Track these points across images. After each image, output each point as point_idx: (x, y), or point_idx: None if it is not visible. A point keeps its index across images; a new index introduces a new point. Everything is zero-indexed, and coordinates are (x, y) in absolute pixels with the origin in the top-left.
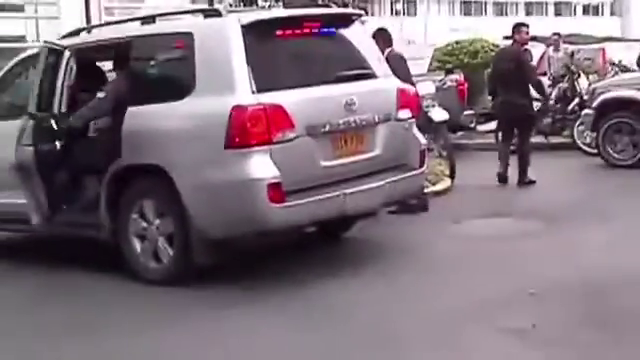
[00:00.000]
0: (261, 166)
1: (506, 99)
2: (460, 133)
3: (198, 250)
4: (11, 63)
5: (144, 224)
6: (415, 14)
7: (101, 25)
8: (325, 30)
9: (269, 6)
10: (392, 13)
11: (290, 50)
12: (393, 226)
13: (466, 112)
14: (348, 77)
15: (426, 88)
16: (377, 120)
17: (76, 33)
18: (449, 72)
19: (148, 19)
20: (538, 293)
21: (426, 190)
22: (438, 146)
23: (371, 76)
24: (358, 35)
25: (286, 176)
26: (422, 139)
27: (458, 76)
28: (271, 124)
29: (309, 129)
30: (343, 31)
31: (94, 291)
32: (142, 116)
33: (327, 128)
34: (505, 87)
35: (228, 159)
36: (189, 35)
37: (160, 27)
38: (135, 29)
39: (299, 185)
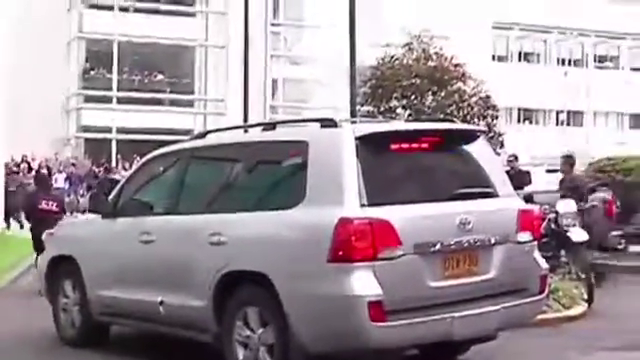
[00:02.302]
0: (363, 283)
1: None
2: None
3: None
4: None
5: (248, 332)
6: (581, 125)
7: (229, 128)
8: (444, 146)
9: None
10: (557, 123)
11: (405, 164)
12: (515, 350)
13: (614, 232)
14: (465, 195)
15: (567, 206)
16: (494, 241)
17: (202, 136)
18: (593, 190)
19: (269, 125)
20: None
21: (559, 314)
22: (576, 267)
23: (491, 195)
24: (480, 151)
25: (390, 294)
26: (543, 264)
27: (606, 194)
28: (376, 240)
29: (417, 247)
30: (464, 147)
31: None
32: (253, 222)
33: (437, 247)
34: None
35: (331, 272)
36: (304, 144)
37: (278, 134)
38: (256, 135)
39: (404, 304)
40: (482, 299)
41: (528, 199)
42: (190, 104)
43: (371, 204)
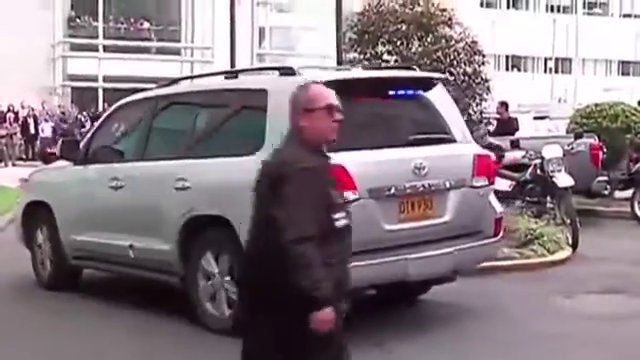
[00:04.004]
0: None
1: None
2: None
3: None
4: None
5: (211, 271)
6: (570, 72)
7: (193, 77)
8: (401, 93)
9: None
10: (545, 70)
11: (361, 111)
12: (497, 295)
13: (600, 178)
14: (421, 141)
15: (553, 152)
16: (449, 186)
17: (169, 84)
18: (579, 136)
19: (231, 74)
20: None
21: (543, 259)
22: (561, 212)
23: (448, 141)
24: (437, 98)
25: None
26: (499, 207)
27: (592, 140)
28: None
29: (372, 192)
30: (421, 94)
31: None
32: (215, 168)
33: (392, 192)
34: None
35: None
36: (263, 92)
37: (239, 82)
38: (219, 83)
39: (359, 247)
40: (437, 241)
41: (514, 145)
42: (177, 52)
43: None
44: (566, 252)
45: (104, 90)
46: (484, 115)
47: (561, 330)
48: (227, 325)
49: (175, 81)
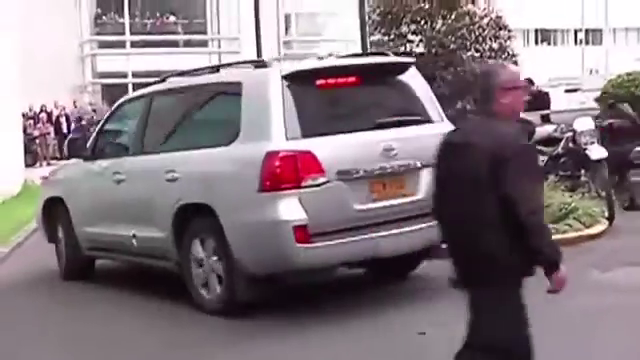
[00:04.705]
0: (289, 209)
1: None
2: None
3: (240, 286)
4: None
5: (201, 256)
6: (600, 43)
7: (183, 73)
8: (371, 79)
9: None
10: (575, 42)
11: (330, 98)
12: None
13: (638, 148)
14: (391, 123)
15: (585, 124)
16: (420, 165)
17: (162, 80)
18: (612, 106)
19: (214, 68)
20: None
21: (580, 233)
22: (596, 185)
23: (419, 122)
24: (408, 82)
25: (315, 218)
26: None
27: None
28: (300, 170)
29: (341, 174)
30: (390, 79)
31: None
32: (199, 158)
33: (361, 174)
34: None
35: (261, 202)
36: (239, 85)
37: (219, 76)
38: (202, 78)
39: (331, 227)
40: (411, 219)
41: (545, 119)
42: (204, 44)
43: (296, 137)
44: (602, 225)
45: (134, 85)
46: None
47: (598, 304)
48: (220, 307)
49: (165, 78)
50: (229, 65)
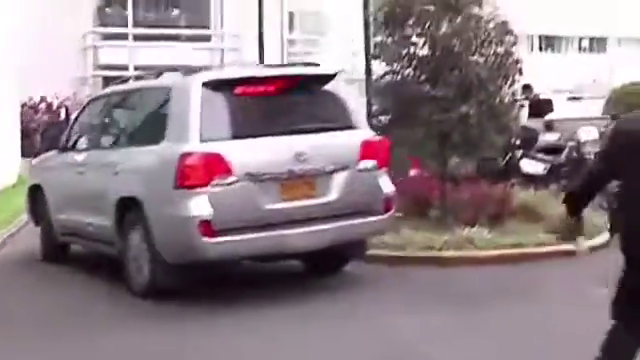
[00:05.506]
0: (197, 205)
1: None
2: None
3: (160, 273)
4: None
5: (134, 245)
6: (605, 51)
7: (137, 78)
8: (287, 88)
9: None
10: (580, 50)
11: (247, 105)
12: (537, 280)
13: None
14: (305, 130)
15: (588, 134)
16: (331, 169)
17: (124, 81)
18: (615, 117)
19: (158, 74)
20: None
21: (580, 246)
22: (599, 197)
23: (334, 129)
24: (328, 91)
25: (221, 215)
26: (388, 188)
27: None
28: (209, 170)
29: (250, 176)
30: (313, 89)
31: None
32: (134, 155)
33: (269, 176)
34: None
35: (175, 197)
36: (169, 89)
37: (158, 81)
38: (146, 82)
39: (236, 224)
40: (320, 219)
41: (549, 127)
42: (207, 39)
43: (210, 140)
44: (604, 237)
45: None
46: (515, 98)
47: (589, 326)
48: (145, 291)
49: (125, 80)
50: (175, 71)
